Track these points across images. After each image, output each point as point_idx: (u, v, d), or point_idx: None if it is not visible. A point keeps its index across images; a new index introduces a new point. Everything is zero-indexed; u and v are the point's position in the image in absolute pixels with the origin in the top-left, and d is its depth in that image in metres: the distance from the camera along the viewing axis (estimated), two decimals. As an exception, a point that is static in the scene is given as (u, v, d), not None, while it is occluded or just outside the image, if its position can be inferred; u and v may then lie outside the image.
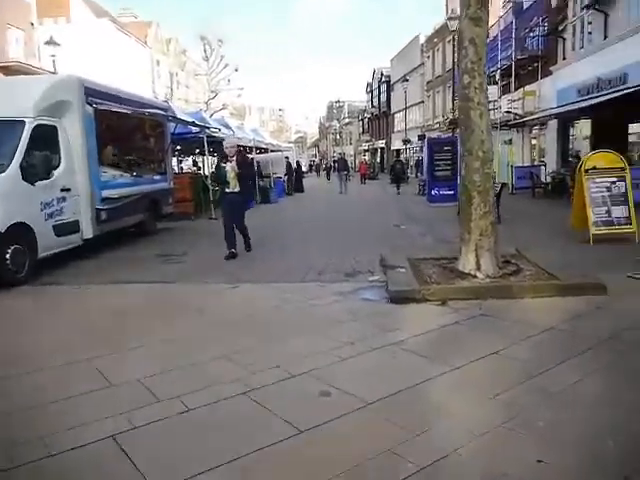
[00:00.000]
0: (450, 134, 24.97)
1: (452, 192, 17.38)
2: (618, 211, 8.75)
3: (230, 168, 8.38)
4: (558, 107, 19.13)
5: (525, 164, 23.42)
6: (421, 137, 43.08)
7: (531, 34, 22.56)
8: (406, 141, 36.63)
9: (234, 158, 8.55)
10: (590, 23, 18.04)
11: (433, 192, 17.65)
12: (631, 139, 16.92)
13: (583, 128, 20.28)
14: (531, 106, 22.32)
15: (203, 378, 3.72)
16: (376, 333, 4.57)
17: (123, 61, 32.90)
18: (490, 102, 24.85)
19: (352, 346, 4.27)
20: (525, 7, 23.49)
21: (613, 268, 6.65)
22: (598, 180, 8.84)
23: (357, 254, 8.50)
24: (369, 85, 65.73)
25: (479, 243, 6.30)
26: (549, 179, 19.96)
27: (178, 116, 13.82)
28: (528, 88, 22.59)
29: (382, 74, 58.12)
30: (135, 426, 3.06)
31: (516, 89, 23.53)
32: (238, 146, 10.22)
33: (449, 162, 17.53)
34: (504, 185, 14.75)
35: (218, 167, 9.14)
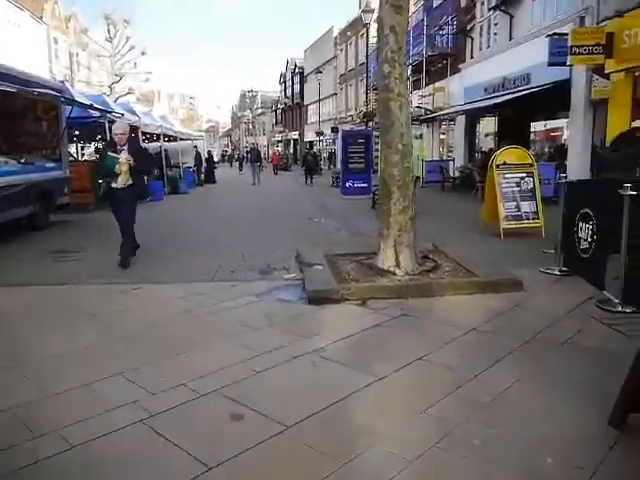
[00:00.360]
0: (364, 127, 25.11)
1: (366, 185, 17.46)
2: (527, 206, 8.98)
3: (124, 160, 6.87)
4: (465, 104, 19.72)
5: (435, 158, 24.09)
6: (334, 129, 43.31)
7: (441, 32, 23.13)
8: (319, 133, 36.58)
9: (125, 147, 7.00)
10: (496, 24, 18.72)
11: (347, 184, 17.59)
12: (532, 137, 17.72)
13: (488, 125, 21.14)
14: (441, 102, 22.91)
15: (93, 403, 3.16)
16: (295, 340, 4.19)
17: (14, 37, 30.01)
18: (402, 97, 25.52)
19: (269, 356, 3.86)
20: (435, 5, 24.02)
21: (526, 262, 6.74)
22: (508, 175, 9.03)
23: (272, 249, 8.09)
24: (282, 76, 65.10)
25: (398, 239, 6.11)
26: (457, 173, 20.62)
27: (76, 98, 12.62)
28: (438, 84, 23.17)
29: (296, 65, 57.71)
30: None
31: (426, 85, 24.06)
32: (132, 132, 9.03)
33: (363, 155, 17.54)
34: (417, 179, 14.95)
35: (103, 156, 7.51)
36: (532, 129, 20.58)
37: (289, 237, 9.31)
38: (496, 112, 18.44)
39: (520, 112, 16.49)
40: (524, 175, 9.04)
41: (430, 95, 23.47)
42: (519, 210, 8.95)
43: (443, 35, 23.11)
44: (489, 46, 19.49)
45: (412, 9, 30.92)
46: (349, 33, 41.24)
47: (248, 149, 40.16)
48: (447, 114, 19.29)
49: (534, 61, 15.07)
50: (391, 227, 6.11)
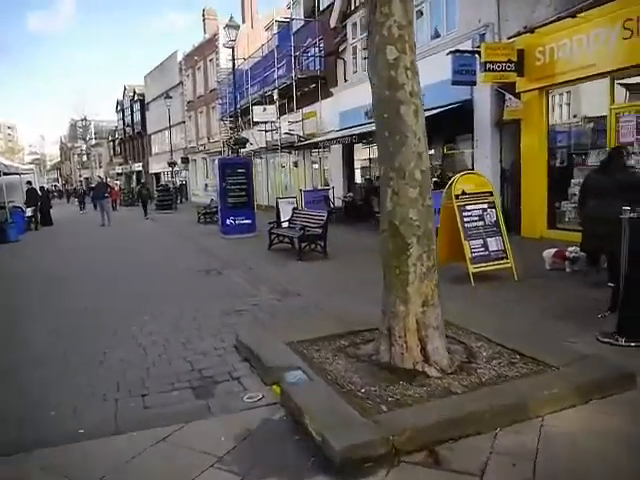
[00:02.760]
0: (234, 155, 22.41)
1: (249, 221, 15.05)
2: (493, 243, 7.37)
3: None
4: (346, 129, 18.37)
5: (308, 188, 22.40)
6: (185, 160, 40.09)
7: (307, 54, 21.78)
8: (172, 164, 33.14)
9: None
10: (365, 48, 17.70)
11: (228, 222, 14.93)
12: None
13: (365, 151, 20.12)
14: (313, 128, 21.42)
15: None
16: None
17: None
18: (269, 122, 23.56)
19: None
20: (297, 28, 22.67)
21: (552, 323, 5.02)
22: (469, 208, 7.36)
23: (186, 334, 5.36)
24: (120, 103, 59.70)
25: (423, 318, 3.92)
26: (339, 202, 19.08)
27: None
28: (308, 109, 21.66)
29: (135, 92, 53.20)
30: None
31: (296, 110, 22.38)
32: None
33: (245, 187, 15.07)
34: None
35: None
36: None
37: (197, 305, 6.60)
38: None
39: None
40: (486, 206, 7.46)
41: (300, 121, 21.82)
42: (487, 249, 7.30)
43: (309, 57, 21.77)
44: (365, 68, 18.45)
45: (266, 34, 29.58)
46: (196, 58, 38.60)
47: (93, 184, 35.10)
48: (336, 139, 17.36)
49: (424, 82, 14.07)
50: (410, 301, 3.90)
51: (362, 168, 21.08)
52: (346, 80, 19.43)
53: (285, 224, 12.80)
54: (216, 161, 16.09)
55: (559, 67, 10.11)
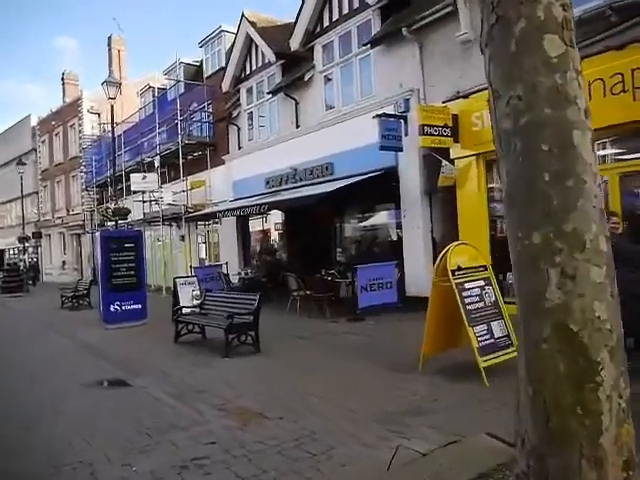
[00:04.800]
0: (104, 228, 19.50)
1: (139, 306, 12.42)
2: (497, 328, 6.04)
3: None
4: (242, 199, 16.75)
5: (196, 264, 20.07)
6: (36, 234, 35.25)
7: (193, 119, 20.13)
8: (24, 239, 28.49)
9: None
10: (261, 116, 16.75)
11: (112, 308, 12.14)
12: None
13: (262, 222, 18.61)
14: (201, 198, 19.47)
15: None
16: None
17: None
18: (148, 192, 21.02)
19: None
20: (182, 91, 21.05)
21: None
22: (468, 286, 6.01)
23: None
24: (-47, 171, 52.22)
25: (627, 492, 2.25)
26: (235, 279, 16.97)
27: None
28: (196, 178, 19.73)
29: (-25, 159, 46.86)
30: None
31: (180, 178, 20.25)
32: None
33: (133, 264, 12.53)
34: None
35: None
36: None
37: (119, 452, 4.24)
38: (282, 208, 15.82)
39: (319, 207, 14.08)
40: (483, 283, 6.17)
41: (186, 190, 19.72)
42: (492, 336, 5.93)
43: (196, 123, 20.11)
44: (260, 136, 17.22)
45: (139, 100, 27.46)
46: (54, 123, 34.93)
47: None
48: (241, 208, 15.04)
49: (337, 149, 13.18)
50: (607, 461, 2.24)
51: (257, 240, 19.46)
52: (240, 147, 18.01)
53: (187, 310, 10.52)
54: (97, 234, 13.35)
55: (499, 132, 9.59)
